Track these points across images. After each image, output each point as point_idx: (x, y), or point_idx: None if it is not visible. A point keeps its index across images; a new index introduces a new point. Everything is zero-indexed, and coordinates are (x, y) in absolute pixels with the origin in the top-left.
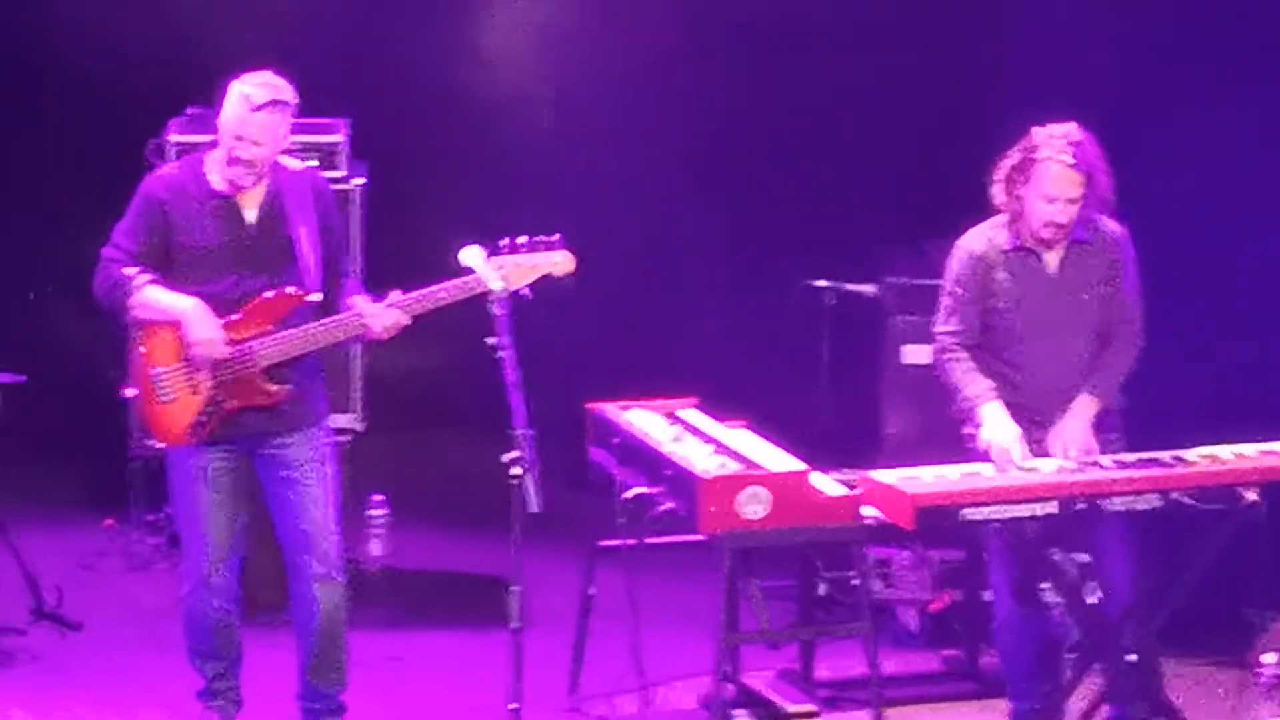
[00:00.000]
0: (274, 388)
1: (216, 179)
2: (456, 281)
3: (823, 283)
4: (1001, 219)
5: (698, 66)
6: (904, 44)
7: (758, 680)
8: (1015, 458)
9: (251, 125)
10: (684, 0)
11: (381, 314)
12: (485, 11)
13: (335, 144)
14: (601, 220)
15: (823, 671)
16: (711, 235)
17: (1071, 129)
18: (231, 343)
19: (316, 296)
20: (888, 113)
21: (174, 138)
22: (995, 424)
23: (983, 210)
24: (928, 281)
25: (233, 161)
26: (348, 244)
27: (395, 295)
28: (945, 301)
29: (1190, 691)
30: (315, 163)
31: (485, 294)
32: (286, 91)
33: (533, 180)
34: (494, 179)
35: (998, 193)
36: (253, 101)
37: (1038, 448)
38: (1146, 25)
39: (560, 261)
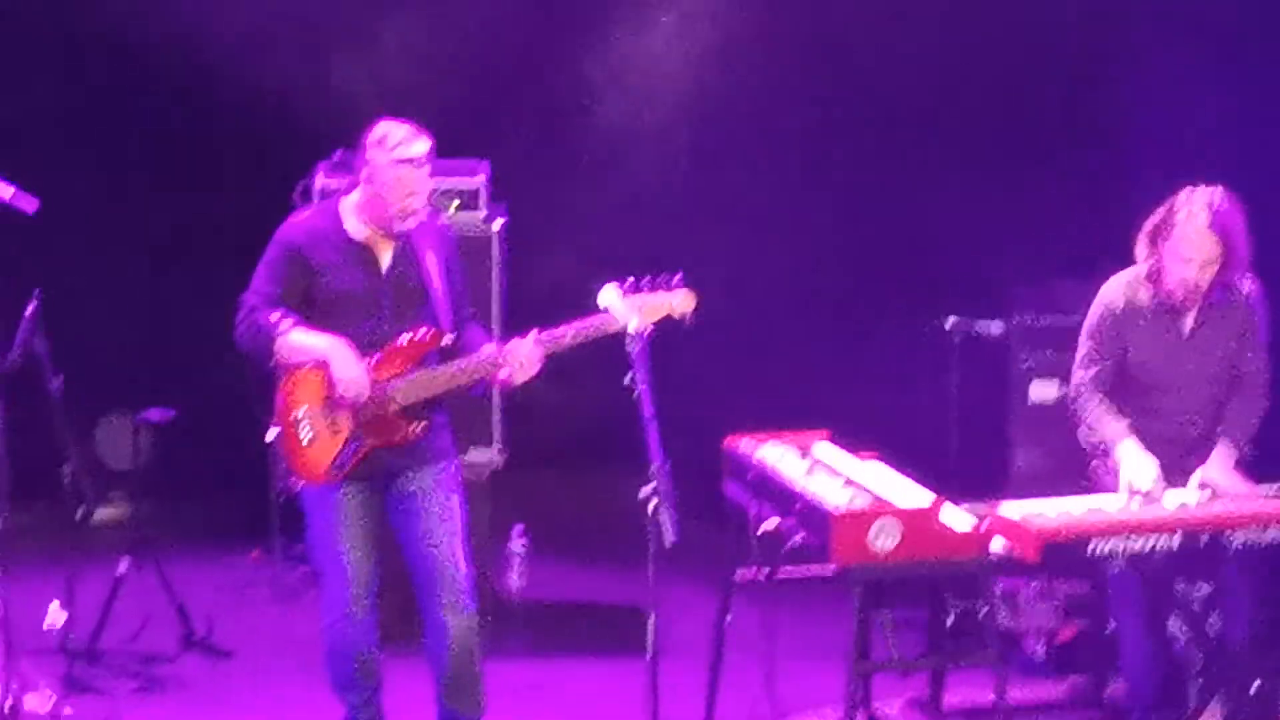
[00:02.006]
0: (410, 426)
1: (354, 225)
2: (585, 321)
3: (951, 320)
4: (1143, 271)
5: (828, 106)
6: (1034, 87)
7: (888, 708)
8: (1156, 492)
9: (423, 180)
10: (813, 41)
11: (515, 355)
12: (618, 55)
13: (476, 187)
14: (735, 258)
15: (952, 700)
16: (842, 273)
17: (1215, 192)
18: (371, 383)
19: (450, 338)
20: (1015, 155)
21: (321, 181)
22: (1134, 461)
23: (1107, 251)
24: (1054, 320)
25: (407, 215)
26: (467, 287)
27: (535, 334)
28: (1085, 345)
29: None
30: (457, 202)
31: (617, 333)
32: (428, 139)
33: (667, 220)
34: (629, 219)
35: (1140, 248)
36: (416, 158)
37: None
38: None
39: (681, 300)
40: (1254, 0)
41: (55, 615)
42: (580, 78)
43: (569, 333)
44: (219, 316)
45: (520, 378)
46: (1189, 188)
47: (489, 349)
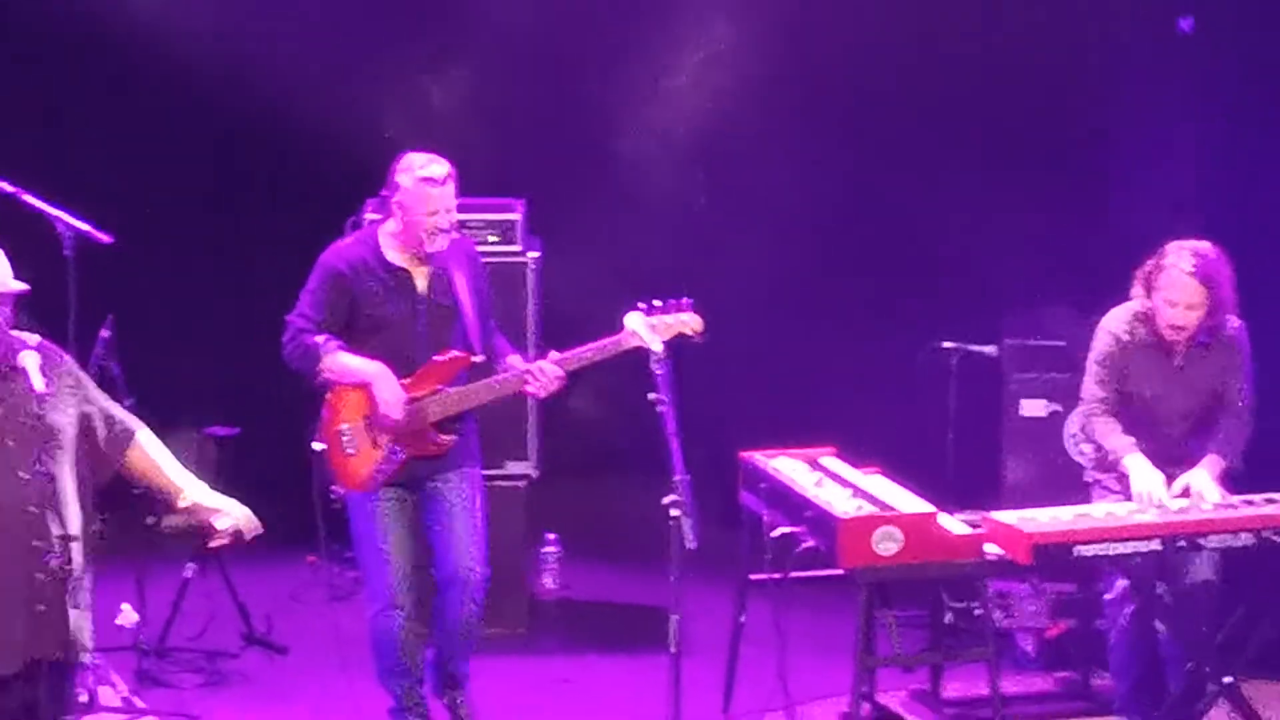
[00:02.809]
0: (443, 439)
1: (393, 254)
2: (601, 342)
3: (948, 344)
4: (1138, 307)
5: (834, 147)
6: (1027, 134)
7: (892, 700)
8: (1164, 500)
9: (445, 198)
10: (819, 85)
11: (540, 372)
12: (640, 100)
13: (513, 221)
14: (749, 285)
15: (950, 692)
16: (849, 300)
17: (1202, 245)
18: (408, 401)
19: (479, 358)
20: (1009, 194)
21: (370, 216)
22: (1141, 472)
23: (1090, 281)
24: (1043, 342)
25: (434, 233)
26: (491, 301)
27: (553, 355)
28: (1093, 371)
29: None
30: (495, 238)
31: (635, 350)
32: (447, 164)
33: (685, 249)
34: (650, 249)
35: (1136, 289)
36: (436, 177)
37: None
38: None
39: (690, 321)
40: (1232, 48)
41: (127, 615)
42: (606, 122)
43: (587, 353)
44: (276, 340)
45: (544, 393)
46: (1174, 241)
47: (515, 359)
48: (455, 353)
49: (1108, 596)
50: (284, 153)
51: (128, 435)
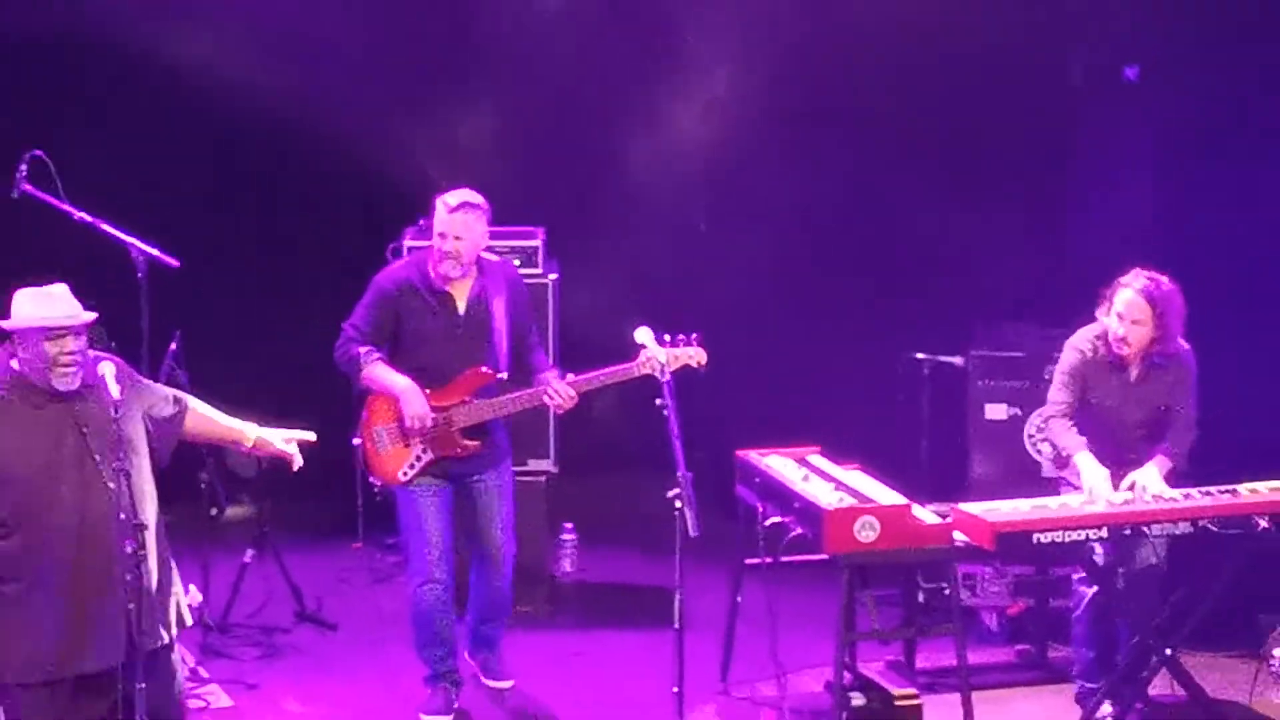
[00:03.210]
0: (467, 443)
1: (436, 276)
2: (614, 369)
3: (921, 355)
4: (1100, 329)
5: (824, 183)
6: (993, 172)
7: (870, 669)
8: (1106, 492)
9: (452, 224)
10: (810, 127)
11: (555, 393)
12: (646, 140)
13: (534, 247)
14: (744, 304)
15: (922, 663)
16: (833, 316)
17: (1159, 275)
18: (436, 409)
19: (503, 375)
20: (975, 220)
21: (408, 243)
22: (1089, 468)
23: (1044, 301)
24: (1004, 354)
25: (441, 256)
26: (536, 323)
27: (570, 377)
28: (1059, 379)
29: (1216, 679)
30: (518, 263)
31: (642, 377)
32: (476, 198)
33: (688, 272)
34: (657, 271)
35: (1101, 313)
36: (449, 205)
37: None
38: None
39: (697, 355)
40: (1177, 93)
41: (193, 595)
42: (616, 158)
43: (599, 377)
44: (325, 351)
45: (560, 410)
46: (1139, 268)
47: (550, 375)
48: (484, 369)
49: (1076, 577)
50: (330, 186)
51: (182, 409)
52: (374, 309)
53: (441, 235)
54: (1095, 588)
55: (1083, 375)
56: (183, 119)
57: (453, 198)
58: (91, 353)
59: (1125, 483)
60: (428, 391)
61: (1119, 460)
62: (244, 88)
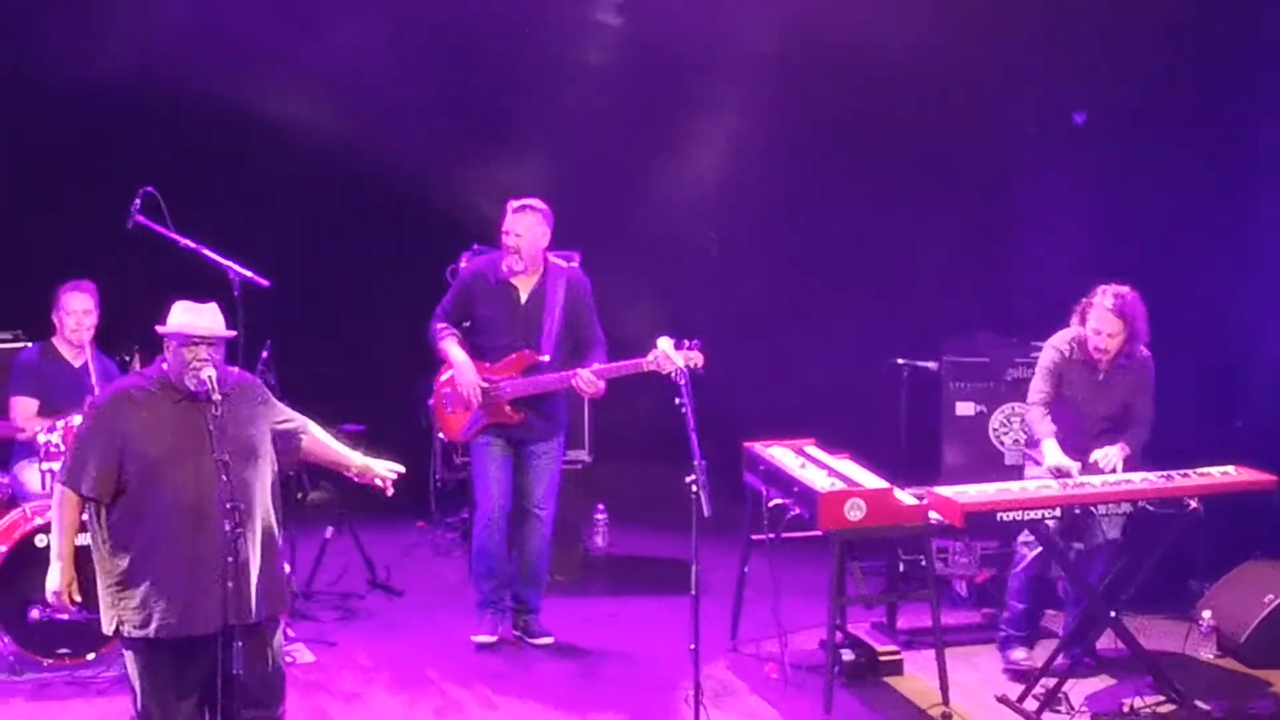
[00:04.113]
0: (513, 413)
1: (505, 271)
2: (628, 362)
3: (900, 360)
4: (1074, 334)
5: (821, 213)
6: (958, 202)
7: (858, 629)
8: (1073, 473)
9: (514, 222)
10: (808, 168)
11: (583, 379)
12: (666, 176)
13: (571, 267)
14: (751, 316)
15: (902, 623)
16: (826, 327)
17: (1122, 288)
18: (490, 381)
19: (545, 358)
20: (946, 246)
21: (464, 263)
22: (1053, 452)
23: (1006, 314)
24: (971, 360)
25: (506, 251)
26: (594, 322)
27: (594, 366)
28: (1040, 373)
29: (1153, 637)
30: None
31: (653, 371)
32: (537, 202)
33: (702, 288)
34: (675, 288)
35: (1074, 321)
36: (513, 207)
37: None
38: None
39: (695, 357)
40: (1117, 135)
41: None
42: (641, 191)
43: (616, 368)
44: (395, 356)
45: (586, 393)
46: (1104, 284)
47: (593, 366)
48: (529, 352)
49: (1020, 540)
50: (398, 217)
51: (302, 430)
52: (454, 293)
53: (505, 232)
54: (1038, 549)
55: (1060, 372)
56: (273, 161)
57: (517, 201)
58: (234, 369)
59: (1091, 458)
60: (487, 365)
61: (1082, 448)
62: (326, 134)
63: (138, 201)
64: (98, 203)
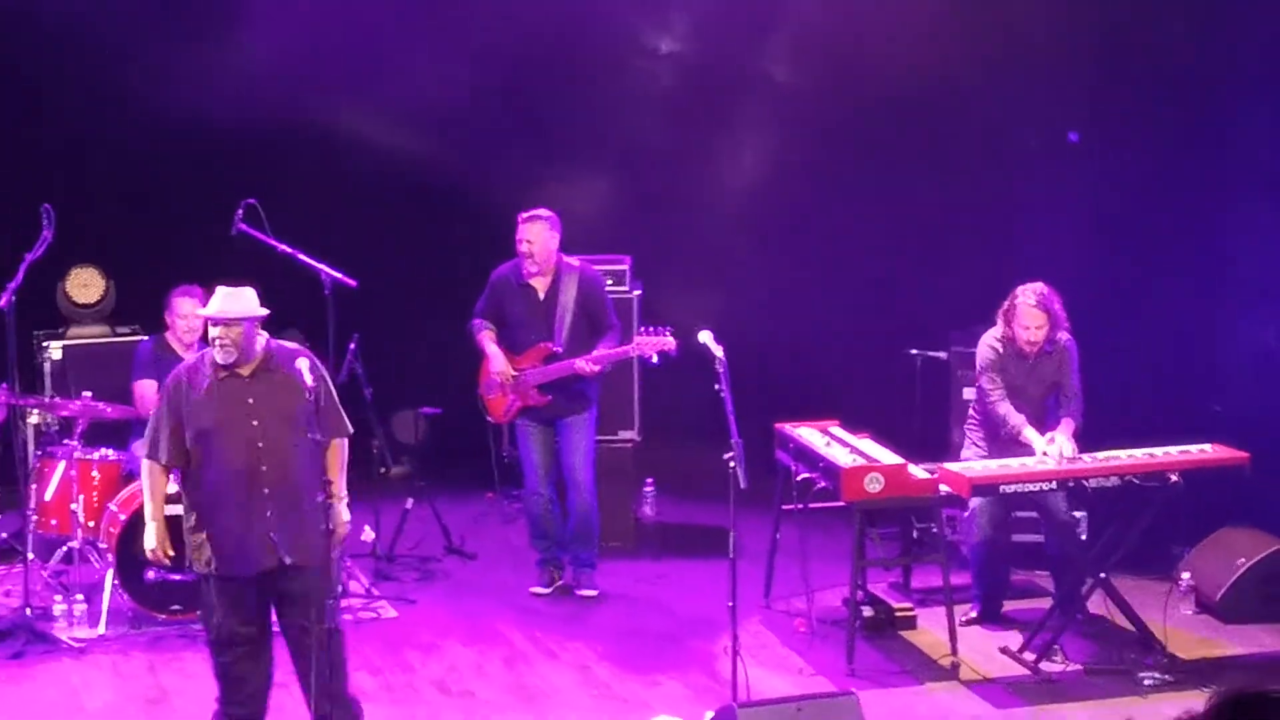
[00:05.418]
0: (540, 396)
1: (526, 273)
2: (620, 349)
3: (914, 350)
4: (1000, 331)
5: (849, 219)
6: (964, 212)
7: (877, 589)
8: (1068, 451)
9: (524, 231)
10: (835, 175)
11: (581, 364)
12: (705, 190)
13: (623, 270)
14: (781, 311)
15: (916, 583)
16: (851, 320)
17: (1037, 284)
18: (518, 369)
19: (558, 349)
20: (955, 248)
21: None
22: (1036, 437)
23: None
24: (976, 350)
25: (521, 257)
26: (606, 311)
27: (595, 354)
28: (986, 373)
29: (1138, 597)
30: (611, 281)
31: (642, 356)
32: (544, 211)
33: (740, 287)
34: (716, 286)
35: (1000, 319)
36: (522, 217)
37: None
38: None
39: (670, 342)
40: (1106, 154)
41: (367, 534)
42: (684, 204)
43: (613, 354)
44: (470, 348)
45: (589, 374)
46: (1022, 284)
47: (598, 353)
48: (545, 344)
49: (965, 514)
50: (467, 227)
51: (334, 430)
52: (486, 295)
53: (518, 240)
54: (986, 518)
55: (1000, 365)
56: (360, 176)
57: (526, 212)
58: (292, 345)
59: (1041, 450)
60: (515, 357)
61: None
62: (406, 153)
63: (240, 211)
64: (207, 213)
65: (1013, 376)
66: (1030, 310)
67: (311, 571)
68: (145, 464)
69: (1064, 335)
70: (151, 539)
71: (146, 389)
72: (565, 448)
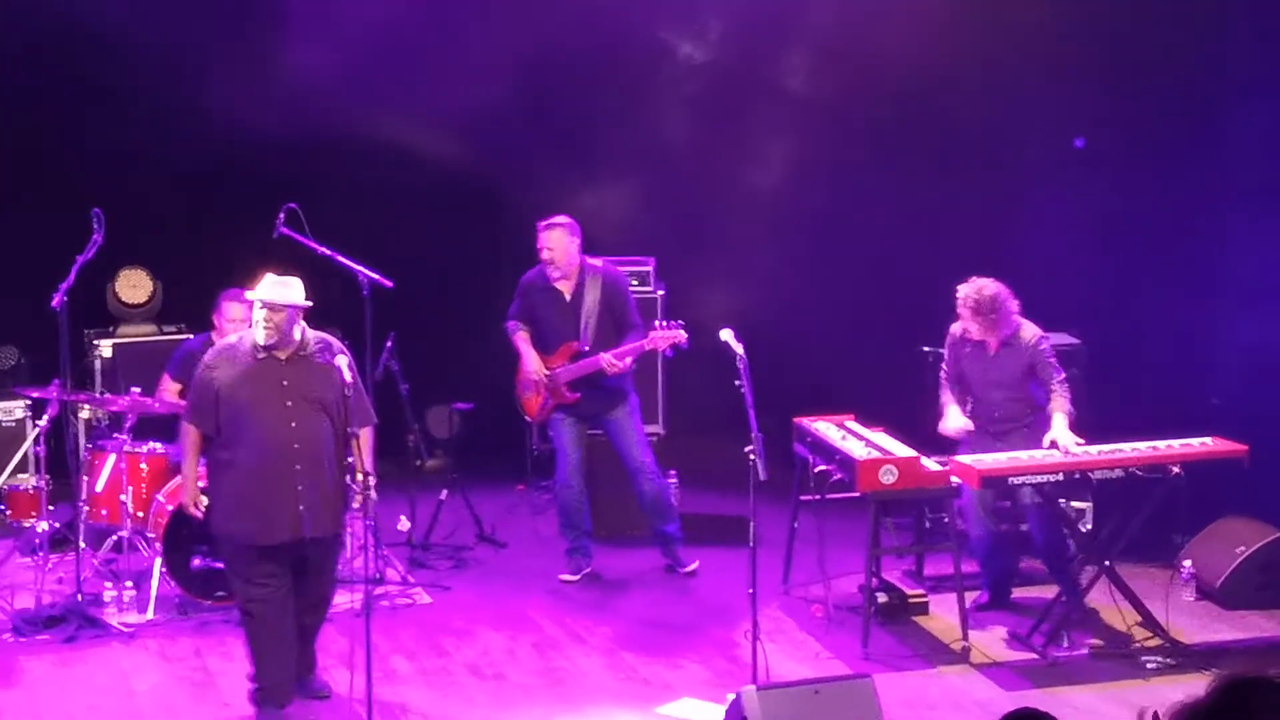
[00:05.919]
0: (570, 394)
1: (551, 277)
2: (635, 345)
3: (926, 348)
4: (959, 328)
5: (858, 215)
6: (967, 214)
7: (891, 576)
8: (1071, 445)
9: (545, 238)
10: (852, 176)
11: (605, 360)
12: (729, 194)
13: (647, 271)
14: (801, 310)
15: (928, 571)
16: (867, 320)
17: (983, 280)
18: (550, 369)
19: (585, 348)
20: (964, 252)
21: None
22: (954, 415)
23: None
24: None
25: (544, 262)
26: (629, 310)
27: (615, 350)
28: (946, 358)
29: (1142, 584)
30: (635, 282)
31: (655, 349)
32: (561, 218)
33: (760, 287)
34: (735, 292)
35: (957, 317)
36: (541, 225)
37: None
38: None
39: (678, 335)
40: (1107, 160)
41: (403, 524)
42: (706, 209)
43: (632, 349)
44: (502, 346)
45: (613, 371)
46: (968, 281)
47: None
48: (572, 344)
49: (959, 503)
50: (502, 230)
51: (361, 421)
52: (518, 299)
53: (539, 248)
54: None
55: (956, 353)
56: (400, 181)
57: (544, 221)
58: (335, 343)
59: (1046, 439)
60: (547, 357)
61: (984, 417)
62: (444, 158)
63: (282, 215)
64: (250, 217)
65: (972, 367)
66: (965, 313)
67: (327, 541)
68: (184, 426)
69: (1032, 334)
70: (185, 494)
71: (169, 384)
72: (618, 442)
